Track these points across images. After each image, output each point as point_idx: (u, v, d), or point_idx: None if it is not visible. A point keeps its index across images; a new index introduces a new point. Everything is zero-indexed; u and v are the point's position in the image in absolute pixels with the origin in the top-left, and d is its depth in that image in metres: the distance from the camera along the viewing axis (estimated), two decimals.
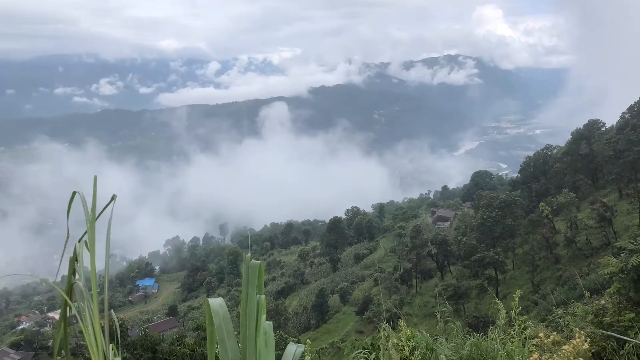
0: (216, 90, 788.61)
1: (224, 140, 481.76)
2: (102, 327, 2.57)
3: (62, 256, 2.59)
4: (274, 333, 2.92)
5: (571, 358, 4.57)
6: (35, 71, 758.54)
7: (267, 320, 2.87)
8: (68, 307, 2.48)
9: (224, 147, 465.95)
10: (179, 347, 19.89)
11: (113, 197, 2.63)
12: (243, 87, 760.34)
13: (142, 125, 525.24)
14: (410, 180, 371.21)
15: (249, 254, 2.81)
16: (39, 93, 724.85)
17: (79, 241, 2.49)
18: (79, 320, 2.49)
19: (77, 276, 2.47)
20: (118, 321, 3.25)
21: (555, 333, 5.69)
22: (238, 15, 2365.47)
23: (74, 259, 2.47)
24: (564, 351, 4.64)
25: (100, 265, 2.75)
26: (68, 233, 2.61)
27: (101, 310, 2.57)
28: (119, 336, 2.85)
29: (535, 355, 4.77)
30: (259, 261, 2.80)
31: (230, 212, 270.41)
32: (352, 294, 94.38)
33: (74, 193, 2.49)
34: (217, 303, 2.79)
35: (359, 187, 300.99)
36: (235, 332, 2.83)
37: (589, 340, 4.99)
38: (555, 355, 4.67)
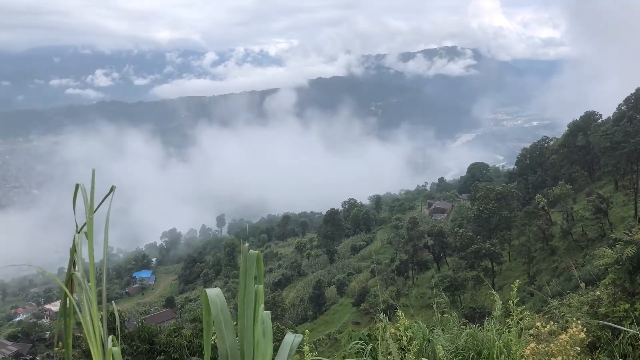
0: (212, 81, 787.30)
1: (221, 132, 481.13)
2: (101, 318, 2.56)
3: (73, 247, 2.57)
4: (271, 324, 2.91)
5: (567, 347, 4.61)
6: (30, 63, 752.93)
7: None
8: (68, 298, 2.48)
9: (220, 138, 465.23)
10: (176, 339, 19.94)
11: (112, 189, 2.62)
12: (240, 79, 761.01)
13: (138, 117, 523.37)
14: (407, 171, 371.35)
15: (247, 244, 2.80)
16: (34, 85, 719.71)
17: (78, 232, 2.48)
18: (77, 311, 2.49)
19: (76, 267, 2.46)
20: (117, 312, 3.25)
21: (552, 323, 5.73)
22: (232, 6, 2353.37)
23: (73, 250, 2.46)
24: (560, 341, 4.68)
25: (98, 256, 2.75)
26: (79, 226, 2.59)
27: (99, 302, 2.57)
28: (119, 327, 2.85)
29: (533, 345, 4.80)
30: (256, 251, 2.78)
31: (230, 203, 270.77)
32: (348, 285, 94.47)
33: (77, 186, 2.48)
34: (214, 293, 2.75)
35: (358, 177, 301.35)
36: (234, 323, 2.83)
37: (585, 330, 5.02)
38: (551, 345, 4.70)
